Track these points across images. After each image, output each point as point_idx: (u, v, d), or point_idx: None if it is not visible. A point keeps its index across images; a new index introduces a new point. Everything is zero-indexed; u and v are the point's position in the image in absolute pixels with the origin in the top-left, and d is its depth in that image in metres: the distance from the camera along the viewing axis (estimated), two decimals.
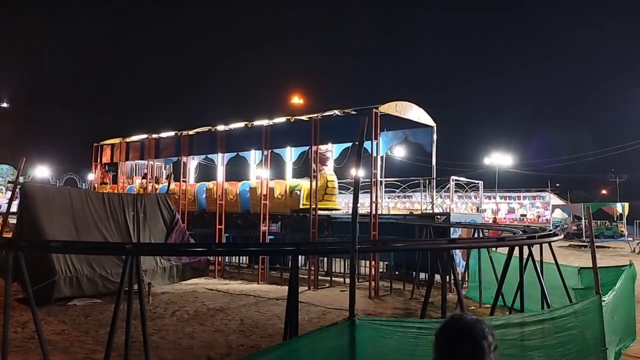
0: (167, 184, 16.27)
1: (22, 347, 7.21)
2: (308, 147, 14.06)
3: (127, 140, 19.19)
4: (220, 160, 16.15)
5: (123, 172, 20.08)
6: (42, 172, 42.70)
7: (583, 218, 35.07)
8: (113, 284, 10.08)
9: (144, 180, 18.38)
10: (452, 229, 13.22)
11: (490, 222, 31.40)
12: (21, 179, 13.29)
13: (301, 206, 14.33)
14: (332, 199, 14.65)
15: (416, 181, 16.72)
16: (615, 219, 38.16)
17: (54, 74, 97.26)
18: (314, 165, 13.74)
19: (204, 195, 16.76)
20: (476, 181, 16.97)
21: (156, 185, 17.86)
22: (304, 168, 15.56)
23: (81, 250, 9.07)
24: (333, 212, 14.86)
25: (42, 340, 5.75)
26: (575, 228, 37.28)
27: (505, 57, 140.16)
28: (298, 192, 14.43)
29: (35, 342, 6.61)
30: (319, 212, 13.92)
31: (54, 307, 9.72)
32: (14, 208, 11.36)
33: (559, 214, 44.39)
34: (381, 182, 16.07)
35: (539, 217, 44.39)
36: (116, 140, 19.68)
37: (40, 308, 7.46)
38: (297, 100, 33.94)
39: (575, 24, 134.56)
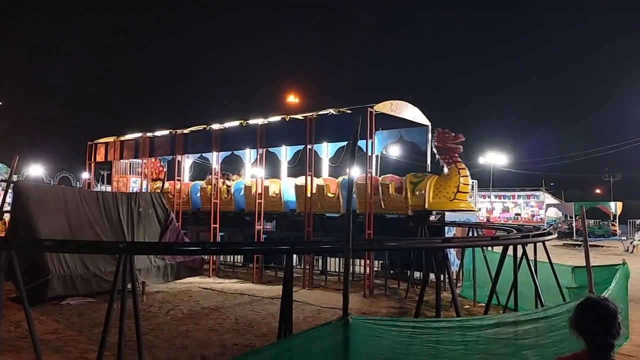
0: (242, 179, 15.53)
1: (14, 346, 7.17)
2: (303, 145, 14.02)
3: (122, 139, 19.11)
4: (215, 158, 16.12)
5: (117, 170, 20.01)
6: (36, 170, 42.31)
7: (574, 217, 35.23)
8: (107, 282, 10.03)
9: (210, 176, 17.03)
10: (446, 227, 13.24)
11: (484, 221, 31.45)
12: (14, 178, 13.18)
13: (427, 206, 12.79)
14: (465, 198, 12.87)
15: None
16: (610, 218, 38.35)
17: (49, 72, 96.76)
18: (443, 159, 12.65)
19: (293, 193, 14.77)
20: (471, 180, 17.00)
21: (228, 182, 16.78)
22: (435, 162, 13.72)
23: (75, 249, 9.02)
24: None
25: (34, 340, 5.72)
26: (567, 227, 37.45)
27: (501, 58, 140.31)
28: (422, 191, 12.74)
29: (28, 341, 6.56)
30: (449, 213, 12.68)
31: (47, 306, 9.68)
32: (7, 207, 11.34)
33: (554, 213, 44.56)
34: None
35: (533, 216, 44.54)
36: (110, 139, 19.59)
37: (34, 307, 7.41)
38: (293, 99, 33.93)
39: (572, 25, 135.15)
